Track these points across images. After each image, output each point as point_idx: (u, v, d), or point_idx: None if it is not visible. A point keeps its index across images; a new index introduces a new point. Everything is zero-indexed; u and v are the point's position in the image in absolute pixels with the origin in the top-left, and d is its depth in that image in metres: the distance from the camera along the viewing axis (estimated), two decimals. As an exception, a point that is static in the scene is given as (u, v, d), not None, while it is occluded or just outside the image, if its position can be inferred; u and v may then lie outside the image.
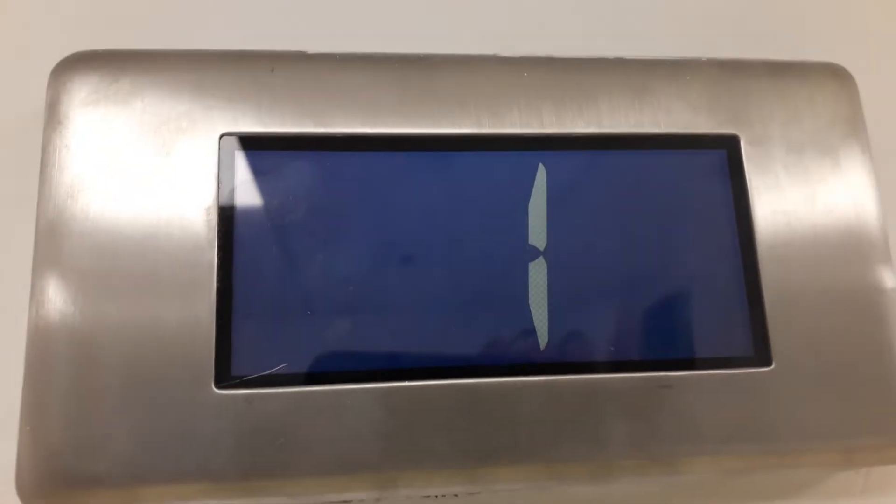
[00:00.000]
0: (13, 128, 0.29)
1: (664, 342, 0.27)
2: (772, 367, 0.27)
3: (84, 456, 0.24)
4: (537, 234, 0.28)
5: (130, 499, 0.24)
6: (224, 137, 0.26)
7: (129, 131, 0.26)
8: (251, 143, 0.26)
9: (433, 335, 0.26)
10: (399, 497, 0.26)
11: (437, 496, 0.28)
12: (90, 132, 0.26)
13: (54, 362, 0.24)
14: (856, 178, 0.30)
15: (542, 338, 0.27)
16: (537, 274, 0.27)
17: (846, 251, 0.29)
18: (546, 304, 0.27)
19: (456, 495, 0.28)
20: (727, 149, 0.29)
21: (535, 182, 0.28)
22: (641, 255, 0.28)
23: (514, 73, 0.29)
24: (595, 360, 0.27)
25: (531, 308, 0.27)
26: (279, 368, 0.25)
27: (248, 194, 0.26)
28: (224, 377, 0.24)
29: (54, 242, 0.25)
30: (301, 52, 0.28)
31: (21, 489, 0.24)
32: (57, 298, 0.24)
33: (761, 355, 0.28)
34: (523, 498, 0.29)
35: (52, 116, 0.26)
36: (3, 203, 0.28)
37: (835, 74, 0.31)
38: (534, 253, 0.28)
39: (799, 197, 0.29)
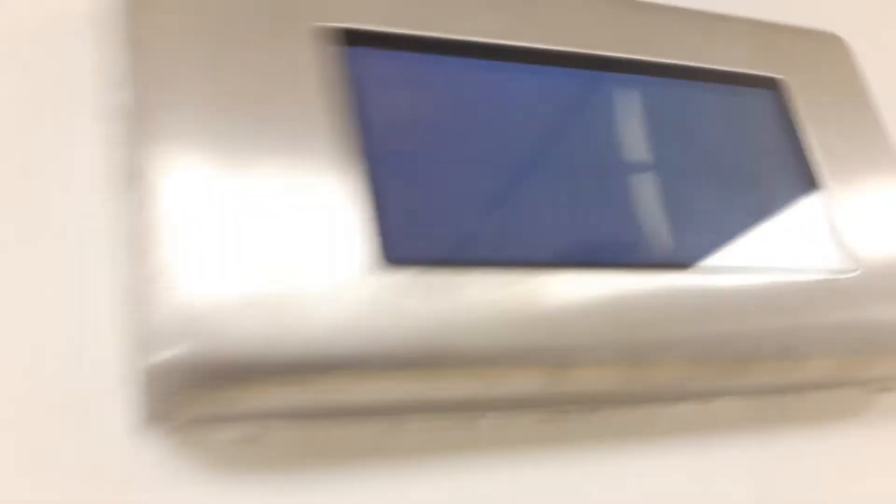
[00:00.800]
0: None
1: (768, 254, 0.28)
2: (857, 272, 0.28)
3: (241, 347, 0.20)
4: (644, 148, 0.28)
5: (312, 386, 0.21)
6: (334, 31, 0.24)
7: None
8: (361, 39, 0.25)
9: (578, 235, 0.26)
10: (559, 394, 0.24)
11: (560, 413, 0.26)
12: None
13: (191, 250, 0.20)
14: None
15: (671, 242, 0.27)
16: (653, 185, 0.28)
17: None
18: (665, 212, 0.27)
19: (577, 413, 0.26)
20: (774, 89, 0.32)
21: (634, 104, 0.29)
22: (731, 176, 0.30)
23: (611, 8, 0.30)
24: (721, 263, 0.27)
25: (654, 215, 0.27)
26: (441, 252, 0.23)
27: (364, 89, 0.24)
28: (388, 257, 0.22)
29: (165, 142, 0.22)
30: None
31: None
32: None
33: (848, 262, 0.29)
34: (635, 418, 0.28)
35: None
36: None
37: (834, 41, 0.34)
38: (647, 166, 0.28)
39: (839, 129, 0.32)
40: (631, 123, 0.28)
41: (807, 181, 0.30)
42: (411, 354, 0.21)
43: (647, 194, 0.27)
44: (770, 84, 0.32)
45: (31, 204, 0.24)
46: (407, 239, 0.22)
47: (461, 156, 0.25)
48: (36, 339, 0.22)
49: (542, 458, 0.26)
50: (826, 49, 0.34)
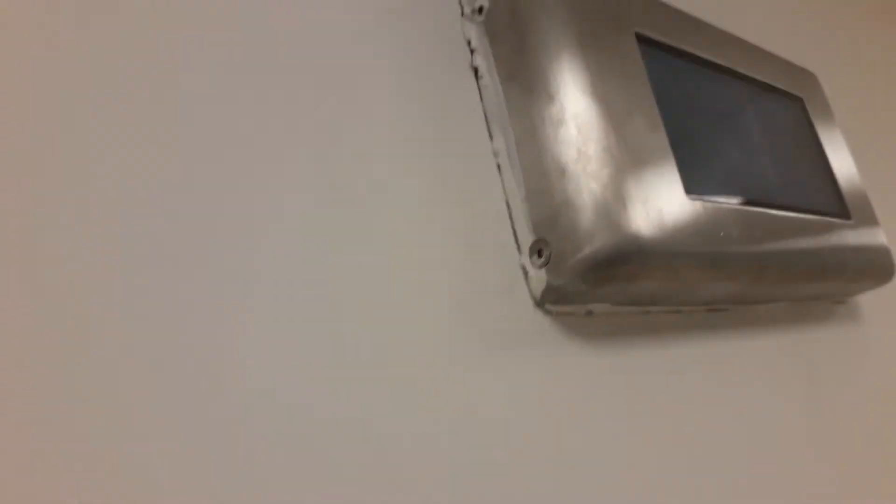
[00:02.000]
0: None
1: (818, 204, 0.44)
2: (852, 220, 0.46)
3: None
4: (767, 138, 0.44)
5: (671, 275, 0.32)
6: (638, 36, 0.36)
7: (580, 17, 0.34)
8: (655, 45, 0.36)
9: (764, 186, 0.40)
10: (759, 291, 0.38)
11: (717, 310, 0.40)
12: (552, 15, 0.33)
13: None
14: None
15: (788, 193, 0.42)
16: (776, 160, 0.43)
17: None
18: (782, 176, 0.43)
19: (728, 309, 0.40)
20: (799, 103, 0.49)
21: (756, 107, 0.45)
22: (795, 158, 0.46)
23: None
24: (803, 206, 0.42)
25: (781, 176, 0.43)
26: (723, 193, 0.36)
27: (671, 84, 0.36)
28: (690, 189, 0.33)
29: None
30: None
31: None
32: (592, 137, 0.32)
33: (845, 213, 0.46)
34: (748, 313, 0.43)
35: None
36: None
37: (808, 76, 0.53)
38: (770, 148, 0.43)
39: (830, 136, 0.51)
40: (757, 122, 0.44)
41: (827, 166, 0.48)
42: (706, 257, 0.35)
43: (776, 166, 0.42)
44: (798, 99, 0.48)
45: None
46: (696, 183, 0.35)
47: (709, 134, 0.38)
48: (482, 240, 0.32)
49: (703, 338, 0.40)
50: (810, 80, 0.51)
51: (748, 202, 0.38)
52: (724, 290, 0.37)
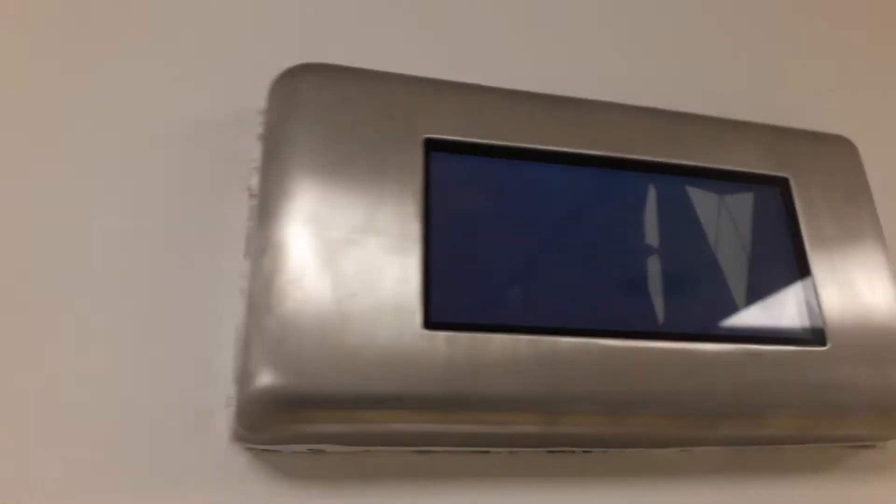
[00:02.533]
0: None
1: (748, 324, 0.35)
2: (826, 347, 0.35)
3: (315, 383, 0.28)
4: (652, 236, 0.35)
5: (351, 418, 0.28)
6: (428, 141, 0.32)
7: (346, 130, 0.32)
8: (446, 146, 0.33)
9: (586, 305, 0.33)
10: (551, 436, 0.31)
11: (558, 451, 0.33)
12: (310, 132, 0.31)
13: (282, 306, 0.28)
14: (866, 213, 0.39)
15: (660, 315, 0.33)
16: (654, 266, 0.34)
17: (871, 264, 0.38)
18: (661, 290, 0.34)
19: (573, 452, 0.33)
20: (780, 186, 0.38)
21: (648, 197, 0.36)
22: (726, 257, 0.36)
23: (635, 116, 0.37)
24: (701, 332, 0.33)
25: (650, 292, 0.34)
26: (471, 317, 0.30)
27: (445, 183, 0.32)
28: (429, 321, 0.29)
29: (286, 210, 0.30)
30: (484, 85, 0.35)
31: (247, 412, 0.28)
32: (289, 252, 0.29)
33: (819, 338, 0.35)
34: (625, 458, 0.34)
35: (278, 110, 0.32)
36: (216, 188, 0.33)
37: (844, 143, 0.41)
38: (650, 250, 0.34)
39: (834, 225, 0.38)
40: (642, 215, 0.35)
41: (794, 267, 0.36)
42: (437, 397, 0.29)
43: (646, 275, 0.34)
44: (777, 182, 0.38)
45: (180, 263, 0.32)
46: (446, 308, 0.30)
47: (498, 242, 0.32)
48: (168, 369, 0.31)
49: (542, 489, 0.33)
50: (834, 150, 0.40)
51: (553, 330, 0.31)
52: (524, 430, 0.31)
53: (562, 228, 0.33)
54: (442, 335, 0.29)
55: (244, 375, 0.28)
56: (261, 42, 0.37)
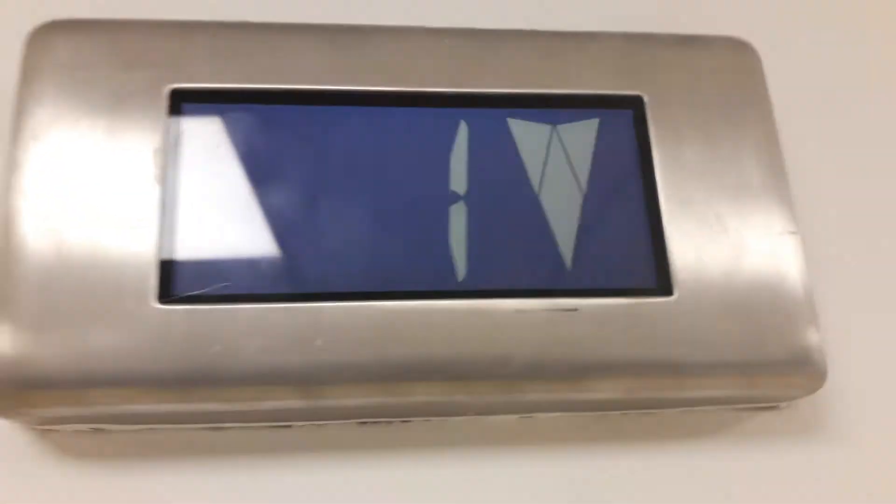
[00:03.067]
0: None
1: (572, 274, 0.30)
2: (673, 297, 0.29)
3: (43, 362, 0.26)
4: (458, 181, 0.30)
5: (81, 399, 0.27)
6: (174, 92, 0.30)
7: (91, 88, 0.30)
8: (195, 96, 0.30)
9: (363, 265, 0.29)
10: (327, 409, 0.29)
11: (373, 422, 0.31)
12: (58, 89, 0.29)
13: (15, 280, 0.27)
14: (755, 133, 0.32)
15: (461, 270, 0.29)
16: (457, 215, 0.30)
17: (744, 197, 0.31)
18: (465, 241, 0.30)
19: (390, 422, 0.31)
20: (633, 107, 0.32)
21: (458, 136, 0.31)
22: (552, 200, 0.31)
23: (438, 41, 0.32)
24: (508, 287, 0.29)
25: (451, 244, 0.29)
26: (214, 289, 0.28)
27: (193, 139, 0.30)
28: (165, 294, 0.27)
29: (22, 176, 0.28)
30: (245, 21, 0.31)
31: None
32: (23, 226, 0.28)
33: (663, 286, 0.29)
34: (452, 426, 0.31)
35: (26, 71, 0.30)
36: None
37: (738, 47, 0.34)
38: (455, 197, 0.30)
39: (700, 149, 0.32)
40: (447, 159, 0.31)
41: (639, 205, 0.31)
42: (171, 376, 0.27)
43: (447, 227, 0.30)
44: (628, 102, 0.32)
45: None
46: (186, 280, 0.28)
47: (256, 202, 0.29)
48: None
49: (352, 462, 0.31)
50: (718, 58, 0.33)
51: (305, 295, 0.29)
52: (282, 405, 0.29)
53: (337, 182, 0.30)
54: (180, 309, 0.27)
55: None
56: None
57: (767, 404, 0.32)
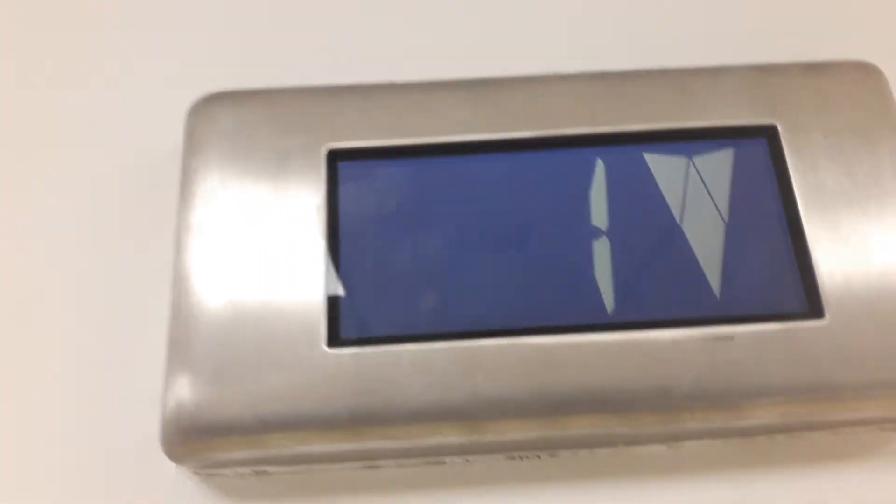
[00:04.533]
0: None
1: (722, 303, 0.30)
2: (824, 319, 0.29)
3: (218, 410, 0.28)
4: (599, 217, 0.31)
5: (256, 444, 0.28)
6: (329, 151, 0.32)
7: (252, 152, 0.32)
8: (349, 155, 0.32)
9: (515, 302, 0.30)
10: (485, 444, 0.29)
11: (521, 457, 0.31)
12: (222, 155, 0.32)
13: (193, 334, 0.29)
14: (891, 154, 0.32)
15: (609, 303, 0.30)
16: (601, 250, 0.31)
17: (887, 216, 0.31)
18: (611, 274, 0.30)
19: (539, 456, 0.31)
20: (767, 137, 0.33)
21: (595, 173, 0.32)
22: (695, 230, 0.31)
23: (571, 86, 0.34)
24: (658, 318, 0.29)
25: (597, 279, 0.30)
26: (379, 331, 0.29)
27: (349, 194, 0.32)
28: (334, 338, 0.29)
29: (194, 237, 0.31)
30: (390, 82, 0.34)
31: (165, 440, 0.29)
32: (198, 283, 0.30)
33: (814, 309, 0.30)
34: (601, 458, 0.31)
35: (190, 145, 0.32)
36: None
37: (865, 70, 0.34)
38: (597, 232, 0.31)
39: (837, 174, 0.32)
40: (587, 196, 0.32)
41: (782, 230, 0.31)
42: (342, 417, 0.28)
43: (592, 262, 0.31)
44: (762, 132, 0.33)
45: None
46: (351, 324, 0.29)
47: (411, 248, 0.31)
48: (109, 394, 0.33)
49: (501, 497, 0.31)
50: (847, 82, 0.34)
51: (459, 334, 0.30)
52: (444, 441, 0.30)
53: (486, 223, 0.31)
54: (347, 352, 0.29)
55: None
56: (170, 78, 0.38)
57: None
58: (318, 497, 0.31)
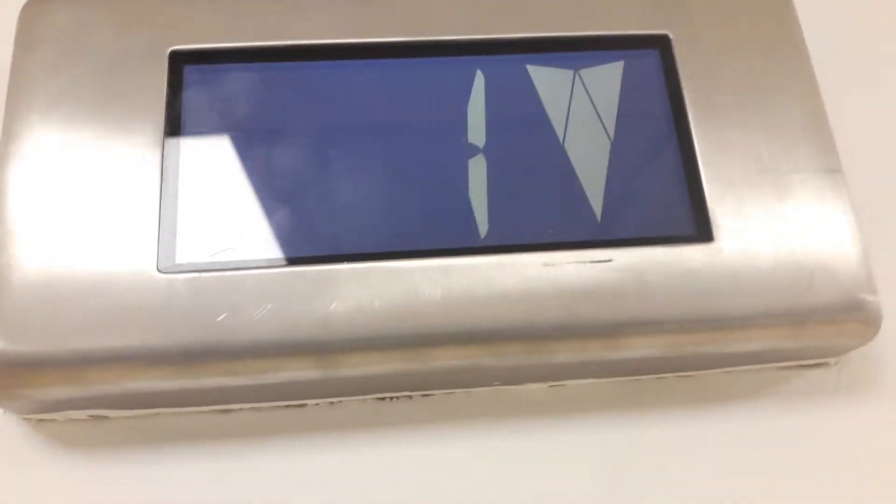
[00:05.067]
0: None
1: (603, 225, 0.27)
2: (713, 243, 0.27)
3: (37, 342, 0.24)
4: (477, 133, 0.28)
5: (79, 378, 0.25)
6: (173, 52, 0.28)
7: (91, 53, 0.28)
8: (197, 57, 0.28)
9: (379, 224, 0.27)
10: (345, 381, 0.27)
11: (391, 398, 0.29)
12: (57, 56, 0.28)
13: (11, 258, 0.25)
14: (789, 68, 0.30)
15: (482, 225, 0.27)
16: (477, 168, 0.28)
17: (783, 136, 0.29)
18: (486, 195, 0.28)
19: (410, 397, 0.29)
20: (659, 48, 0.30)
21: (474, 85, 0.29)
22: (578, 148, 0.29)
23: None
24: (534, 242, 0.27)
25: (471, 199, 0.27)
26: (219, 254, 0.26)
27: (194, 101, 0.28)
28: (167, 261, 0.25)
29: (22, 144, 0.27)
30: None
31: None
32: (18, 201, 0.26)
33: (702, 232, 0.27)
34: (477, 398, 0.29)
35: (21, 43, 0.28)
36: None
37: None
38: (474, 150, 0.28)
39: (732, 88, 0.29)
40: (464, 110, 0.29)
41: (671, 149, 0.29)
42: (175, 349, 0.25)
43: (466, 181, 0.28)
44: (654, 42, 0.30)
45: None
46: (188, 248, 0.26)
47: (262, 165, 0.27)
48: None
49: (371, 440, 0.29)
50: None
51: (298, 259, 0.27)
52: (295, 377, 0.27)
53: (348, 137, 0.28)
54: (181, 278, 0.25)
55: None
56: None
57: (816, 361, 0.29)
58: (163, 444, 0.28)
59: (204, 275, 0.25)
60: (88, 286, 0.25)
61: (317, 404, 0.28)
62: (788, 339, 0.27)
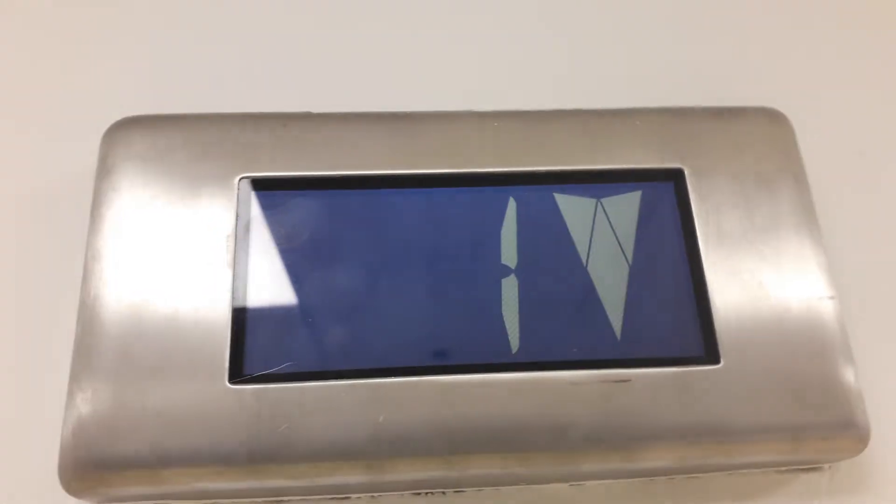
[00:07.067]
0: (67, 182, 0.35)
1: (623, 345, 0.31)
2: (720, 364, 0.30)
3: (116, 443, 0.28)
4: (509, 255, 0.32)
5: (155, 479, 0.28)
6: (242, 180, 0.32)
7: (166, 178, 0.32)
8: (263, 184, 0.32)
9: (421, 340, 0.30)
10: (386, 483, 0.29)
11: (427, 493, 0.31)
12: (134, 180, 0.31)
13: (95, 366, 0.29)
14: (791, 200, 0.33)
15: (514, 341, 0.30)
16: (509, 288, 0.31)
17: (784, 264, 0.32)
18: (517, 313, 0.31)
19: (444, 493, 0.32)
20: (674, 180, 0.33)
21: (507, 212, 0.32)
22: (600, 271, 0.32)
23: (486, 123, 0.34)
24: (561, 359, 0.30)
25: (504, 317, 0.31)
26: (283, 367, 0.29)
27: (260, 224, 0.31)
28: (236, 374, 0.28)
29: (102, 265, 0.30)
30: (307, 112, 0.34)
31: (63, 474, 0.28)
32: (103, 313, 0.29)
33: (711, 354, 0.30)
34: (505, 495, 0.32)
35: (102, 166, 0.32)
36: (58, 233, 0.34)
37: (771, 117, 0.35)
38: (506, 271, 0.31)
39: (739, 218, 0.33)
40: (497, 234, 0.32)
41: (684, 275, 0.32)
42: (242, 454, 0.28)
43: (500, 300, 0.31)
44: (669, 175, 0.33)
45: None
46: (255, 360, 0.29)
47: (321, 284, 0.31)
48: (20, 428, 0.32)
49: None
50: (754, 127, 0.35)
51: (366, 372, 0.30)
52: (347, 480, 0.30)
53: (396, 259, 0.31)
54: (249, 388, 0.29)
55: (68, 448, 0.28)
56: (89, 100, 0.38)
57: (812, 465, 0.32)
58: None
59: (268, 386, 0.28)
60: (167, 395, 0.28)
61: (359, 497, 0.31)
62: (786, 452, 0.30)
